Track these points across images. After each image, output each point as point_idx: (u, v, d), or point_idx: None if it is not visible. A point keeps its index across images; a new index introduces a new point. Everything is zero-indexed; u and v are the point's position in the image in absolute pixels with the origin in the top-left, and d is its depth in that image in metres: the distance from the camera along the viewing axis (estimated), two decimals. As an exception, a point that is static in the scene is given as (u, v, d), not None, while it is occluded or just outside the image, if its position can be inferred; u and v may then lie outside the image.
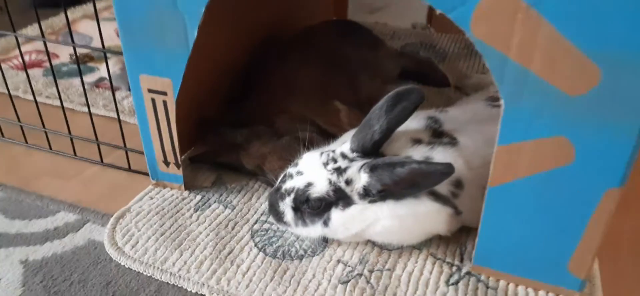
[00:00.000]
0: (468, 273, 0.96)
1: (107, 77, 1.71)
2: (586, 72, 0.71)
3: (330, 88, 1.37)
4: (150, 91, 1.06)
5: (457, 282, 0.94)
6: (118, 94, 1.62)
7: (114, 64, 1.66)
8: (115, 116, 1.24)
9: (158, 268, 0.97)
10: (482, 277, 0.95)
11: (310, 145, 1.08)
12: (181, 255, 0.99)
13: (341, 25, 1.77)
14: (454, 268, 0.97)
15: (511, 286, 0.93)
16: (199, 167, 1.25)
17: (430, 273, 0.96)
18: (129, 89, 1.65)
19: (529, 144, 0.79)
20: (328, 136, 1.18)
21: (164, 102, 1.06)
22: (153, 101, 1.07)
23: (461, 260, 0.99)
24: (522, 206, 0.85)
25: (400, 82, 1.70)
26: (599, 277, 0.94)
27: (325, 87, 1.36)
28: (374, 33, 1.77)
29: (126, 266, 0.99)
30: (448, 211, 0.96)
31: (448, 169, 0.86)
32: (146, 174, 1.21)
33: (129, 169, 1.29)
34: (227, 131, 1.22)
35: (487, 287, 0.93)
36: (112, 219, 1.08)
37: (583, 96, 0.72)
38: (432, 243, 1.02)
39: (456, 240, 1.03)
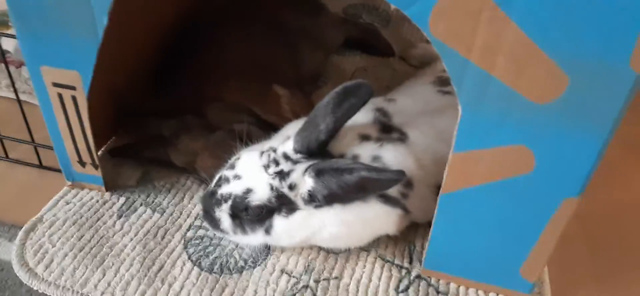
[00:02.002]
0: (418, 277, 0.91)
1: (9, 50, 1.50)
2: (554, 79, 0.64)
3: (268, 65, 1.24)
4: (55, 84, 0.90)
5: (407, 288, 0.89)
6: (24, 71, 1.42)
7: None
8: (23, 99, 1.05)
9: (77, 292, 0.85)
10: (433, 281, 0.90)
11: (247, 139, 0.97)
12: (104, 275, 0.87)
13: (276, -12, 1.61)
14: (404, 272, 0.92)
15: (462, 289, 0.90)
16: (121, 162, 1.11)
17: (379, 279, 0.90)
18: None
19: (487, 152, 0.73)
20: (268, 126, 1.07)
21: (73, 98, 0.91)
22: (60, 96, 0.91)
23: (410, 261, 0.94)
24: (476, 213, 0.80)
25: (343, 51, 1.60)
26: (548, 277, 0.92)
27: (263, 64, 1.23)
28: (315, -3, 1.63)
29: (39, 291, 0.86)
30: (398, 213, 0.90)
31: (399, 176, 0.79)
32: (60, 171, 1.06)
33: (40, 166, 1.13)
34: (152, 122, 1.08)
35: (438, 292, 0.89)
36: (21, 233, 0.93)
37: (548, 104, 0.66)
38: (380, 243, 0.97)
39: (404, 238, 0.98)
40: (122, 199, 1.02)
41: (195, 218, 0.99)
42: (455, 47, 0.66)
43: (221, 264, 0.91)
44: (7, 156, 1.14)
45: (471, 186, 0.77)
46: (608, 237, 1.06)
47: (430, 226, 0.98)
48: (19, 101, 1.05)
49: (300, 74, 1.33)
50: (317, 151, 0.87)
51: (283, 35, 1.35)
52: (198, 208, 1.01)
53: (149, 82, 1.23)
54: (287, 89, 1.18)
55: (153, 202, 1.02)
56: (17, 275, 0.87)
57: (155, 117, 1.09)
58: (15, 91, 1.03)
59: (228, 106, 1.08)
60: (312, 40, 1.43)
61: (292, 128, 0.98)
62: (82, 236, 0.93)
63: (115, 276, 0.87)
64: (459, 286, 0.90)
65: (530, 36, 0.62)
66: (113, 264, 0.89)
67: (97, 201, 1.01)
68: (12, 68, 1.43)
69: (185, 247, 0.93)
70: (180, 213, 1.00)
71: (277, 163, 0.86)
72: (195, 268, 0.90)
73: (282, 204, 0.85)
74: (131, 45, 1.10)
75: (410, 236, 0.98)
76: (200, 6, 1.36)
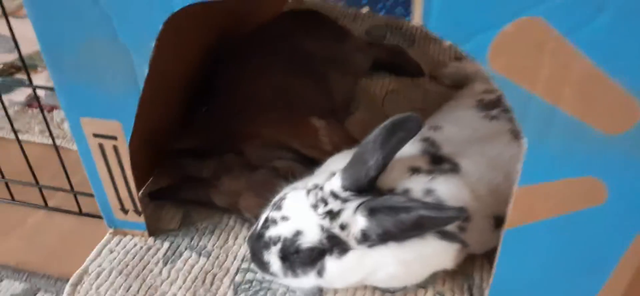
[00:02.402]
0: (480, 313, 0.87)
1: (39, 94, 1.50)
2: (626, 109, 0.60)
3: (300, 96, 1.22)
4: (96, 135, 0.89)
5: (470, 327, 0.85)
6: (56, 115, 1.42)
7: (46, 78, 1.44)
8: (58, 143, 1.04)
9: (130, 347, 0.82)
10: (496, 317, 0.86)
11: (289, 177, 0.95)
12: (154, 327, 0.85)
13: (300, 17, 1.58)
14: (464, 308, 0.88)
15: (527, 325, 0.85)
16: (161, 204, 1.10)
17: (440, 318, 0.86)
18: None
19: (554, 184, 0.69)
20: (308, 160, 1.05)
21: (115, 147, 0.89)
22: (101, 146, 0.90)
23: (470, 296, 0.90)
24: (543, 248, 0.76)
25: (371, 75, 1.57)
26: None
27: (295, 96, 1.21)
28: (337, 22, 1.61)
29: (91, 348, 0.84)
30: (456, 247, 0.86)
31: (460, 213, 0.76)
32: (100, 217, 1.04)
33: (80, 213, 1.11)
34: (190, 163, 1.06)
35: (502, 328, 0.85)
36: (67, 288, 0.92)
37: (621, 135, 0.62)
38: (436, 278, 0.93)
39: (461, 271, 0.94)
40: (166, 244, 1.00)
41: (242, 261, 0.97)
42: (518, 81, 0.62)
43: (274, 310, 0.88)
44: (46, 205, 1.13)
45: (537, 220, 0.73)
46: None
47: (487, 257, 0.95)
48: (56, 146, 1.04)
49: (333, 102, 1.31)
50: (366, 187, 0.84)
51: (311, 65, 1.32)
52: (244, 250, 0.99)
53: (181, 121, 1.21)
54: (323, 119, 1.16)
55: (198, 245, 1.00)
56: (67, 331, 0.86)
57: (193, 158, 1.07)
58: (52, 137, 1.02)
59: (266, 143, 1.05)
60: (341, 67, 1.41)
61: (335, 163, 0.96)
62: (129, 287, 0.92)
63: (167, 328, 0.85)
64: (523, 322, 0.85)
65: (599, 66, 0.58)
66: (163, 316, 0.87)
67: (141, 248, 1.00)
68: (46, 113, 1.43)
69: (236, 293, 0.91)
70: (227, 256, 0.98)
71: (325, 202, 0.84)
72: (248, 316, 0.87)
73: (334, 245, 0.83)
74: (163, 87, 1.09)
75: (467, 268, 0.94)
76: (224, 39, 1.35)
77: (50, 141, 1.31)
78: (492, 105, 1.06)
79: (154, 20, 0.72)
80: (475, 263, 0.96)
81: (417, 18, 0.62)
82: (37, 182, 1.09)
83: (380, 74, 1.58)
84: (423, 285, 0.92)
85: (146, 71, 0.77)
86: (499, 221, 0.89)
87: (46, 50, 0.79)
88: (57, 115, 1.42)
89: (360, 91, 1.50)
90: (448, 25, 0.61)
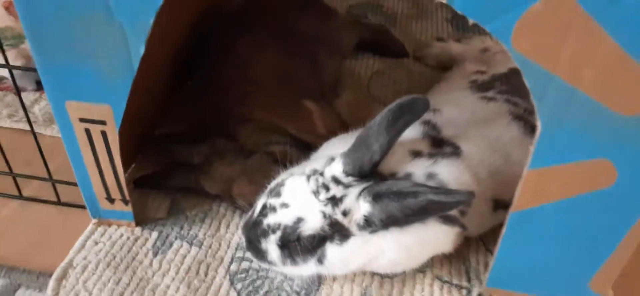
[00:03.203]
0: (480, 296, 0.87)
1: (7, 75, 1.40)
2: (646, 91, 0.60)
3: (291, 77, 1.18)
4: (82, 120, 0.83)
5: (471, 309, 0.85)
6: (25, 98, 1.32)
7: (14, 57, 1.35)
8: (26, 127, 0.97)
9: (124, 343, 0.78)
10: (496, 299, 0.87)
11: (285, 161, 0.92)
12: (150, 322, 0.81)
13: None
14: (464, 292, 0.88)
15: (527, 305, 0.86)
16: (147, 192, 1.04)
17: (442, 302, 0.86)
18: (38, 89, 1.38)
19: (565, 167, 0.69)
20: (302, 144, 1.01)
21: (103, 133, 0.84)
22: (87, 131, 0.84)
23: (468, 279, 0.90)
24: (548, 229, 0.76)
25: (356, 55, 1.55)
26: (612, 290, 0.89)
27: (286, 77, 1.17)
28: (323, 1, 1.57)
29: (82, 346, 0.79)
30: (456, 231, 0.86)
31: (469, 198, 0.75)
32: (82, 207, 0.99)
33: (59, 202, 1.05)
34: (180, 149, 1.02)
35: (504, 310, 0.85)
36: (52, 282, 0.86)
37: (637, 117, 0.62)
38: (434, 262, 0.92)
39: (458, 254, 0.93)
40: (155, 234, 0.96)
41: (237, 249, 0.94)
42: (540, 61, 0.61)
43: (274, 299, 0.85)
44: (20, 195, 1.06)
45: (546, 203, 0.73)
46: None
47: (482, 239, 0.95)
48: (33, 131, 0.96)
49: (322, 83, 1.28)
50: (368, 172, 0.82)
51: (301, 45, 1.28)
52: (237, 238, 0.96)
53: (165, 103, 1.15)
54: (314, 101, 1.13)
55: (188, 234, 0.96)
56: (55, 329, 0.81)
57: (182, 143, 1.02)
58: (29, 121, 0.95)
59: (260, 127, 1.02)
60: (329, 47, 1.38)
61: (332, 147, 0.93)
62: (119, 280, 0.87)
63: (163, 322, 0.81)
64: (523, 303, 0.86)
65: (624, 47, 0.58)
66: (159, 309, 0.82)
67: (129, 238, 0.95)
68: (12, 95, 1.34)
69: (232, 283, 0.88)
70: (219, 245, 0.94)
71: (327, 188, 0.81)
72: (248, 306, 0.84)
73: (335, 231, 0.80)
74: (147, 66, 1.03)
75: (463, 251, 0.94)
76: (210, 16, 1.29)
77: (19, 126, 1.24)
78: (487, 86, 1.06)
79: (153, -6, 0.67)
80: (471, 245, 0.96)
81: (441, -4, 0.59)
82: (10, 170, 1.01)
83: (365, 55, 1.56)
84: (421, 270, 0.91)
85: (142, 51, 0.72)
86: (497, 204, 0.89)
87: (29, 27, 0.72)
88: (26, 98, 1.33)
89: (345, 72, 1.47)
90: (474, 3, 0.58)
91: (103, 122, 0.82)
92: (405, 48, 1.57)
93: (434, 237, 0.84)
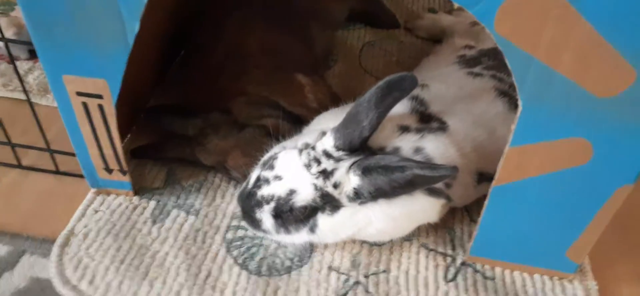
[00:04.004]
0: (464, 264, 0.92)
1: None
2: (621, 73, 0.64)
3: (283, 50, 1.20)
4: (79, 94, 0.85)
5: (455, 277, 0.90)
6: (18, 67, 1.33)
7: (5, 26, 1.35)
8: (21, 97, 0.98)
9: (127, 307, 0.83)
10: (478, 267, 0.92)
11: (277, 134, 0.95)
12: (152, 287, 0.85)
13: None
14: (449, 260, 0.93)
15: (507, 272, 0.91)
16: (143, 162, 1.07)
17: (427, 269, 0.91)
18: (32, 58, 1.38)
19: (544, 145, 0.73)
20: (294, 117, 1.04)
21: (100, 107, 0.86)
22: (85, 105, 0.86)
23: (453, 248, 0.95)
24: (528, 203, 0.81)
25: (347, 26, 1.56)
26: (588, 256, 0.94)
27: (279, 51, 1.19)
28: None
29: (87, 309, 0.84)
30: (441, 202, 0.90)
31: (452, 171, 0.78)
32: (80, 176, 1.02)
33: (57, 172, 1.08)
34: (175, 121, 1.04)
35: (485, 278, 0.90)
36: (55, 249, 0.90)
37: (613, 98, 0.66)
38: (420, 231, 0.97)
39: (443, 224, 0.98)
40: (153, 203, 0.99)
41: (232, 218, 0.97)
42: (520, 44, 0.64)
43: (268, 265, 0.90)
44: (19, 164, 1.08)
45: (525, 178, 0.77)
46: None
47: (467, 210, 0.99)
48: (29, 101, 0.98)
49: (314, 56, 1.30)
50: (358, 146, 0.85)
51: (292, 17, 1.29)
52: (232, 207, 0.99)
53: (158, 76, 1.17)
54: (307, 75, 1.15)
55: (185, 204, 0.99)
56: (60, 294, 0.84)
57: (177, 115, 1.04)
58: (26, 91, 0.96)
59: (253, 100, 1.04)
60: (320, 19, 1.39)
61: (324, 121, 0.96)
62: (120, 247, 0.91)
63: (164, 287, 0.85)
64: (504, 270, 0.91)
65: (600, 31, 0.61)
66: (159, 275, 0.87)
67: (127, 207, 0.98)
68: (5, 64, 1.34)
69: (228, 250, 0.92)
70: (216, 214, 0.98)
71: (318, 162, 0.84)
72: (244, 271, 0.88)
73: (326, 202, 0.84)
74: (143, 38, 1.04)
75: (448, 221, 0.99)
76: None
77: (14, 95, 1.26)
78: (474, 61, 1.08)
79: (147, -28, 0.68)
80: (456, 216, 1.00)
81: (426, -19, 0.61)
82: (9, 140, 1.04)
83: (356, 26, 1.58)
84: (408, 238, 0.96)
85: (137, 27, 0.74)
86: (481, 177, 0.93)
87: (25, 3, 0.74)
88: (20, 67, 1.34)
89: (337, 43, 1.49)
90: (459, -12, 0.61)
91: (100, 96, 0.84)
92: (396, 19, 1.58)
93: (420, 208, 0.88)
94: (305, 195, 0.83)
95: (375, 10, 1.59)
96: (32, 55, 1.36)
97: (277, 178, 0.86)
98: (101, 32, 0.76)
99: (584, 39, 0.62)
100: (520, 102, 0.69)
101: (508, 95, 0.96)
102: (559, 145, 0.72)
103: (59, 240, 0.91)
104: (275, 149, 0.91)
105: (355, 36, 1.54)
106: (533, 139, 0.72)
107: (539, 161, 0.74)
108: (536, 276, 0.90)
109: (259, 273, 0.88)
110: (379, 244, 0.94)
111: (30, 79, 1.31)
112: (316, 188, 0.83)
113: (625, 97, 0.65)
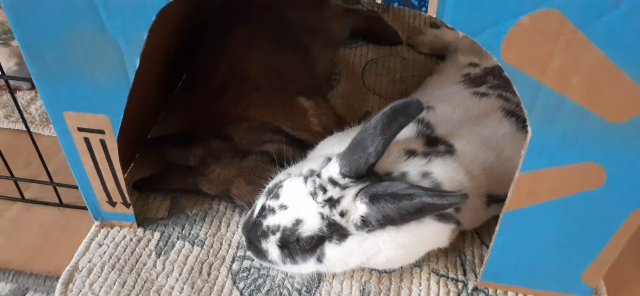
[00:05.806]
0: (475, 290, 0.90)
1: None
2: (632, 98, 0.62)
3: (284, 72, 1.19)
4: (81, 129, 0.84)
5: (467, 302, 0.88)
6: (20, 97, 1.33)
7: (7, 57, 1.35)
8: (22, 128, 0.96)
9: (130, 345, 0.81)
10: (491, 292, 0.90)
11: (281, 160, 0.93)
12: (156, 324, 0.83)
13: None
14: (460, 285, 0.91)
15: (520, 297, 0.89)
16: (147, 193, 1.06)
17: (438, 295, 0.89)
18: (34, 87, 1.38)
19: (556, 170, 0.71)
20: (298, 142, 1.03)
21: (102, 142, 0.85)
22: (87, 140, 0.85)
23: (464, 273, 0.93)
24: (540, 228, 0.79)
25: (349, 43, 1.55)
26: (603, 280, 0.92)
27: (279, 72, 1.17)
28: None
29: (90, 348, 0.82)
30: (451, 227, 0.88)
31: (463, 199, 0.76)
32: (83, 208, 1.00)
33: (61, 204, 1.07)
34: (176, 152, 1.03)
35: (498, 303, 0.88)
36: (59, 287, 0.88)
37: (624, 122, 0.64)
38: (430, 256, 0.95)
39: (453, 248, 0.96)
40: (157, 235, 0.98)
41: (238, 248, 0.96)
42: (528, 71, 0.63)
43: (275, 297, 0.88)
44: (23, 197, 1.07)
45: (537, 204, 0.75)
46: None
47: (477, 232, 0.98)
48: (30, 134, 0.97)
49: (316, 77, 1.28)
50: (364, 173, 0.84)
51: (293, 38, 1.28)
52: (238, 236, 0.98)
53: (159, 103, 1.16)
54: (309, 98, 1.14)
55: (190, 234, 0.98)
56: (64, 334, 0.83)
57: (179, 146, 1.03)
58: (25, 124, 0.95)
59: (254, 126, 1.03)
60: (322, 38, 1.37)
61: (329, 146, 0.95)
62: (124, 282, 0.89)
63: (169, 324, 0.83)
64: (517, 295, 0.89)
65: (610, 57, 0.59)
66: (165, 311, 0.85)
67: (131, 240, 0.97)
68: (7, 94, 1.34)
69: (234, 282, 0.90)
70: (221, 244, 0.97)
71: (324, 190, 0.83)
72: (250, 305, 0.87)
73: (334, 231, 0.83)
74: (143, 70, 1.04)
75: (458, 244, 0.97)
76: (202, 13, 1.28)
77: (15, 126, 1.25)
78: (479, 80, 1.07)
79: (146, 9, 0.67)
80: (466, 239, 0.98)
81: (432, 10, 0.60)
82: (12, 174, 1.03)
83: (358, 44, 1.57)
84: (418, 264, 0.94)
85: (137, 63, 0.73)
86: (491, 199, 0.91)
87: (23, 41, 0.73)
88: (22, 97, 1.33)
89: (340, 62, 1.48)
90: (464, 17, 0.59)
91: (102, 132, 0.83)
92: (398, 35, 1.57)
93: (429, 234, 0.86)
94: (311, 225, 0.82)
95: (377, 27, 1.58)
96: (34, 85, 1.35)
97: (283, 207, 0.84)
98: (101, 69, 0.75)
99: (594, 65, 0.60)
100: (529, 128, 0.68)
101: (515, 115, 0.95)
102: (570, 170, 0.70)
103: (63, 277, 0.90)
104: (280, 176, 0.90)
105: (358, 54, 1.53)
106: (543, 164, 0.71)
107: (551, 186, 0.73)
108: (550, 300, 0.88)
109: (266, 305, 0.87)
110: (388, 272, 0.93)
111: (32, 109, 1.30)
112: (323, 217, 0.81)
113: (637, 121, 0.63)
